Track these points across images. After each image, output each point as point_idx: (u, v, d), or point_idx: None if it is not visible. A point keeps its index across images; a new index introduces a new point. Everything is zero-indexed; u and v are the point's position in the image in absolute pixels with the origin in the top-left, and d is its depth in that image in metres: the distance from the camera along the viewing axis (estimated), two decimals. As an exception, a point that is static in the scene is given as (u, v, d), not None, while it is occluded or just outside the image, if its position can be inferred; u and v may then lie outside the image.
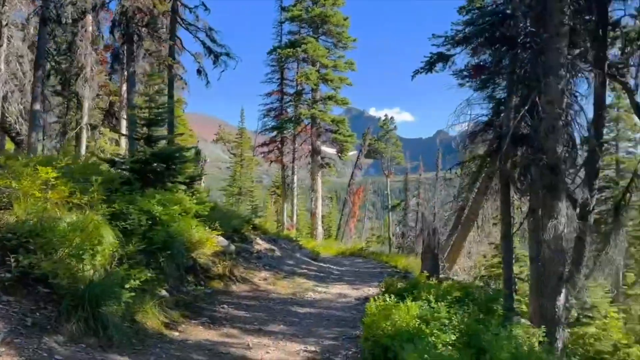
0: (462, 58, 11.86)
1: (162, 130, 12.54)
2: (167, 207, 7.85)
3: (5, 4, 16.16)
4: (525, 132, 10.38)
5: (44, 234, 5.44)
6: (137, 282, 5.80)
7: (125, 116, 18.99)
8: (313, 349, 6.39)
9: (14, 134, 17.88)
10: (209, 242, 9.39)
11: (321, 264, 15.68)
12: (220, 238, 10.34)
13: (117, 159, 10.19)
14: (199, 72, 18.68)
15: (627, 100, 14.01)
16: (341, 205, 49.03)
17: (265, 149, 32.17)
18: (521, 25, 10.45)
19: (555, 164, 9.59)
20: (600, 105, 11.85)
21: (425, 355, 4.58)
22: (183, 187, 10.02)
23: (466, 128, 11.33)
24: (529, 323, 8.84)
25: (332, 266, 15.79)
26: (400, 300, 6.03)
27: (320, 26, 30.57)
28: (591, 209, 11.25)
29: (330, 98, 30.86)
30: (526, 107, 9.77)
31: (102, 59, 22.24)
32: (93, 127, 21.91)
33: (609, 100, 21.02)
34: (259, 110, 31.64)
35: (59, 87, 22.34)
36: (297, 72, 30.69)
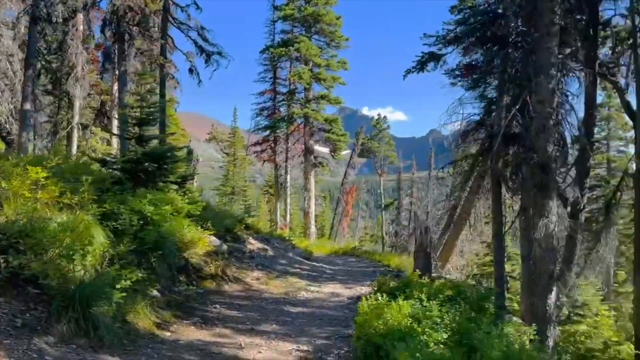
0: (453, 57, 11.93)
1: (154, 130, 12.50)
2: (158, 207, 7.82)
3: (-5, 3, 16.04)
4: (516, 131, 10.44)
5: (34, 235, 5.40)
6: (129, 282, 5.78)
7: (116, 115, 18.89)
8: (305, 348, 6.39)
9: (4, 134, 17.72)
10: (201, 242, 9.37)
11: (314, 263, 15.69)
12: (213, 238, 10.31)
13: (108, 158, 10.15)
14: (190, 71, 18.60)
15: (618, 100, 14.11)
16: (334, 205, 49.08)
17: (258, 148, 32.12)
18: (512, 24, 10.52)
19: (546, 162, 9.64)
20: (591, 104, 11.95)
21: (417, 354, 4.59)
22: (175, 186, 9.99)
23: (458, 127, 11.39)
24: (521, 321, 8.89)
25: (325, 265, 15.80)
26: (392, 299, 6.04)
27: (313, 25, 30.55)
28: (582, 207, 11.34)
29: (323, 97, 30.86)
30: (517, 107, 9.83)
31: (94, 58, 22.11)
32: (84, 127, 21.78)
33: (600, 99, 21.22)
34: (252, 110, 31.61)
35: (49, 87, 22.15)
36: (289, 71, 30.65)
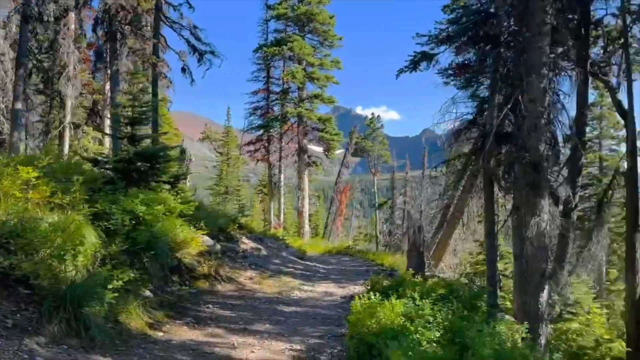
0: (446, 57, 11.94)
1: (146, 129, 12.47)
2: (150, 207, 7.80)
3: (-14, 1, 15.92)
4: (509, 130, 10.49)
5: (24, 235, 5.38)
6: (120, 282, 5.76)
7: (108, 115, 18.80)
8: (298, 347, 6.39)
9: (-5, 134, 17.59)
10: (194, 242, 9.35)
11: (308, 263, 15.68)
12: (206, 237, 10.30)
13: (100, 158, 10.10)
14: (183, 70, 18.55)
15: (610, 99, 14.21)
16: (328, 204, 49.11)
17: (252, 147, 32.07)
18: (504, 24, 10.56)
19: (538, 161, 9.69)
20: (582, 103, 12.01)
21: (410, 353, 4.60)
22: (167, 186, 9.96)
23: (452, 126, 11.41)
24: (513, 319, 8.91)
25: (318, 265, 15.80)
26: (386, 298, 6.05)
27: (306, 24, 30.53)
28: (574, 206, 11.40)
29: (316, 96, 30.85)
30: (509, 106, 9.86)
31: (85, 58, 21.97)
32: (76, 126, 21.64)
33: (592, 98, 21.38)
34: (245, 109, 31.59)
35: (41, 86, 22.00)
36: (283, 71, 30.62)
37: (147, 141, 10.84)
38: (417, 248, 10.89)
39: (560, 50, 11.03)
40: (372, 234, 43.53)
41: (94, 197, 7.20)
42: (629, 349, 10.75)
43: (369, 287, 8.80)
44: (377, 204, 44.28)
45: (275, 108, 31.43)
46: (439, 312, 5.97)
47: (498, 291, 11.38)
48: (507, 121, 10.35)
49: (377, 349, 5.08)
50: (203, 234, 10.04)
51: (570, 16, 11.47)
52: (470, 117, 11.71)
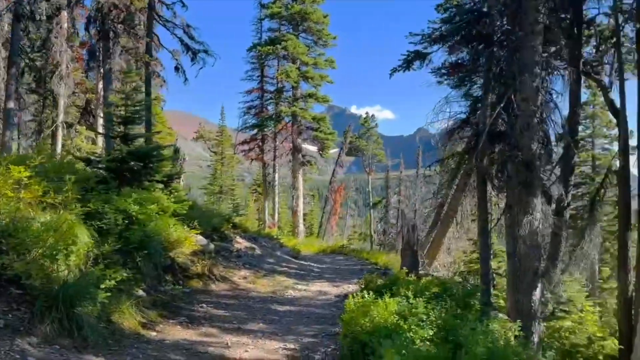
0: (439, 56, 11.98)
1: (139, 129, 12.42)
2: (143, 206, 7.78)
3: (-23, 0, 15.80)
4: (502, 129, 10.53)
5: (16, 234, 5.35)
6: (113, 282, 5.74)
7: (101, 114, 18.70)
8: (292, 346, 6.39)
9: (-13, 133, 17.46)
10: (188, 241, 9.33)
11: (302, 262, 15.68)
12: (199, 237, 10.27)
13: (93, 157, 10.07)
14: (176, 69, 18.45)
15: (602, 98, 14.28)
16: (323, 203, 49.06)
17: (246, 146, 32.01)
18: (497, 23, 10.60)
19: (530, 160, 9.72)
20: (575, 102, 12.07)
21: (403, 351, 4.60)
22: (160, 185, 9.93)
23: (445, 125, 11.45)
24: (506, 317, 8.96)
25: (312, 264, 15.80)
26: (379, 297, 6.07)
27: (300, 23, 30.50)
28: (567, 204, 11.46)
29: (310, 96, 30.83)
30: (502, 105, 9.90)
31: (78, 56, 21.84)
32: (69, 126, 21.53)
33: (584, 97, 21.48)
34: (240, 108, 31.48)
35: (33, 85, 21.89)
36: (277, 70, 30.58)
37: (140, 140, 10.82)
38: (411, 247, 10.92)
39: (553, 49, 11.07)
40: (366, 233, 43.55)
41: (87, 197, 7.17)
42: (622, 347, 10.82)
43: (362, 286, 8.81)
44: (371, 203, 44.30)
45: (269, 107, 31.40)
46: (432, 310, 5.98)
47: (492, 289, 11.42)
48: (500, 120, 10.39)
49: (371, 348, 5.09)
50: (197, 234, 10.03)
51: (562, 15, 11.52)
52: (463, 116, 11.76)
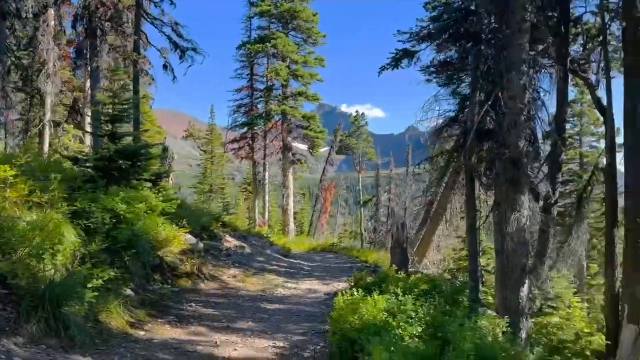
0: (427, 54, 12.02)
1: (127, 127, 12.34)
2: (131, 205, 7.74)
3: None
4: (489, 127, 10.56)
5: (2, 234, 5.32)
6: (101, 281, 5.71)
7: (89, 113, 18.56)
8: (282, 344, 6.40)
9: (-27, 132, 17.28)
10: (176, 240, 9.29)
11: (292, 260, 15.68)
12: (188, 236, 10.24)
13: (80, 156, 9.98)
14: (165, 67, 18.32)
15: (590, 96, 14.39)
16: (313, 202, 49.06)
17: (236, 145, 31.90)
18: (485, 21, 10.63)
19: (518, 158, 9.77)
20: (562, 100, 12.14)
21: (392, 348, 4.62)
22: (149, 184, 9.89)
23: (434, 124, 11.49)
24: (495, 314, 9.01)
25: (302, 262, 15.81)
26: (368, 294, 6.08)
27: (290, 21, 30.45)
28: (554, 201, 11.53)
29: (300, 94, 30.80)
30: (489, 103, 9.93)
31: (65, 54, 21.62)
32: (56, 124, 21.29)
33: (572, 95, 21.65)
34: (229, 107, 31.39)
35: (20, 83, 21.60)
36: (267, 68, 30.52)
37: (128, 139, 10.75)
38: (401, 244, 10.94)
39: (540, 47, 11.14)
40: (357, 231, 43.60)
41: (74, 196, 7.13)
42: (608, 342, 10.91)
43: (352, 284, 8.80)
44: (361, 202, 44.36)
45: (259, 105, 31.35)
46: (421, 307, 6.01)
47: (480, 286, 11.49)
48: (488, 118, 10.43)
49: (360, 345, 5.10)
50: (185, 232, 9.99)
51: (550, 14, 11.58)
52: (452, 114, 11.81)
